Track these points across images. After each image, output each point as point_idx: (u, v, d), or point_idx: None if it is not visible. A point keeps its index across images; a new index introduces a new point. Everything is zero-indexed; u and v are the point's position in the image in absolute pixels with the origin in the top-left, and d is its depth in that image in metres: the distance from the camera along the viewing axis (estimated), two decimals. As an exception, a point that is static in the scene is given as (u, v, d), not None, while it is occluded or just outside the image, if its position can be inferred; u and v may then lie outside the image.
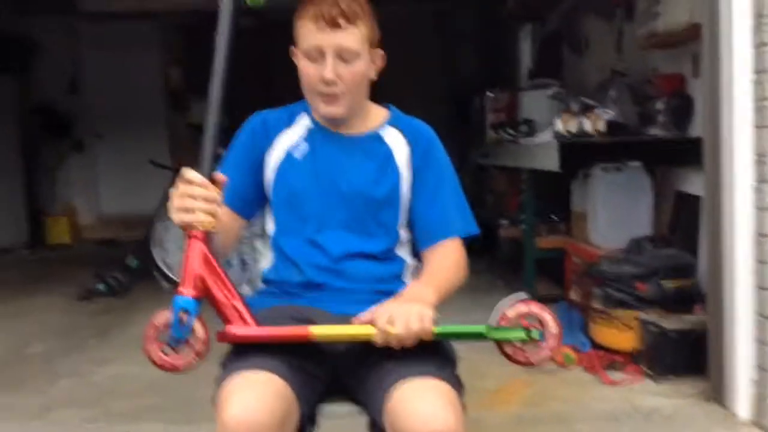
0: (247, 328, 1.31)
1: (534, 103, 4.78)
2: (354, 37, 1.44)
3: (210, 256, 1.30)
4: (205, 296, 1.30)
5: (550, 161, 3.44)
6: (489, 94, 5.57)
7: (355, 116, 1.55)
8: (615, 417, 2.56)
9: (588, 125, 3.49)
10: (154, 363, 1.30)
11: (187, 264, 1.29)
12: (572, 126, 3.52)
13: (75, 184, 8.40)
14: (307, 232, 1.52)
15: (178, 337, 1.27)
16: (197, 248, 1.29)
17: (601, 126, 3.48)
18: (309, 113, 1.58)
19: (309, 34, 1.44)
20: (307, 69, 1.47)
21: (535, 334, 1.29)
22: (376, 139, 1.56)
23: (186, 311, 1.27)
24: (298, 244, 1.53)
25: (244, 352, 1.33)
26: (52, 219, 7.83)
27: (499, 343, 1.32)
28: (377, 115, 1.60)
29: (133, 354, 3.48)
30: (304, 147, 1.55)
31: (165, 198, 5.37)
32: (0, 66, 7.30)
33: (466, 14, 7.86)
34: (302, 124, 1.58)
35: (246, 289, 4.42)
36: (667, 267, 3.04)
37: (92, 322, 4.19)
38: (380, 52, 1.53)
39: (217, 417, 1.24)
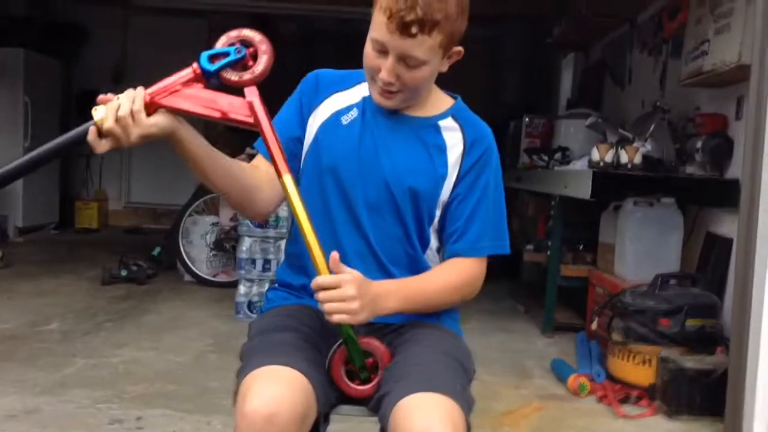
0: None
1: (570, 131, 4.76)
2: (424, 47, 1.29)
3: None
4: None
5: (583, 189, 3.41)
6: (526, 119, 5.56)
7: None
8: (626, 451, 2.53)
9: (625, 157, 3.46)
10: None
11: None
12: (609, 156, 3.49)
13: (108, 172, 8.53)
14: (335, 214, 1.42)
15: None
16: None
17: (638, 159, 3.46)
18: None
19: (379, 26, 1.30)
20: (368, 54, 1.35)
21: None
22: (433, 127, 1.44)
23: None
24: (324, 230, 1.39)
25: (265, 347, 1.30)
26: (82, 203, 7.96)
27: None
28: (441, 102, 1.48)
29: (148, 341, 3.52)
30: (354, 114, 1.44)
31: (196, 192, 5.43)
32: (50, 51, 7.45)
33: (512, 41, 7.88)
34: (358, 91, 1.46)
35: (267, 287, 4.36)
36: (692, 305, 2.99)
37: (111, 307, 4.22)
38: (458, 49, 1.37)
39: (236, 408, 1.20)
